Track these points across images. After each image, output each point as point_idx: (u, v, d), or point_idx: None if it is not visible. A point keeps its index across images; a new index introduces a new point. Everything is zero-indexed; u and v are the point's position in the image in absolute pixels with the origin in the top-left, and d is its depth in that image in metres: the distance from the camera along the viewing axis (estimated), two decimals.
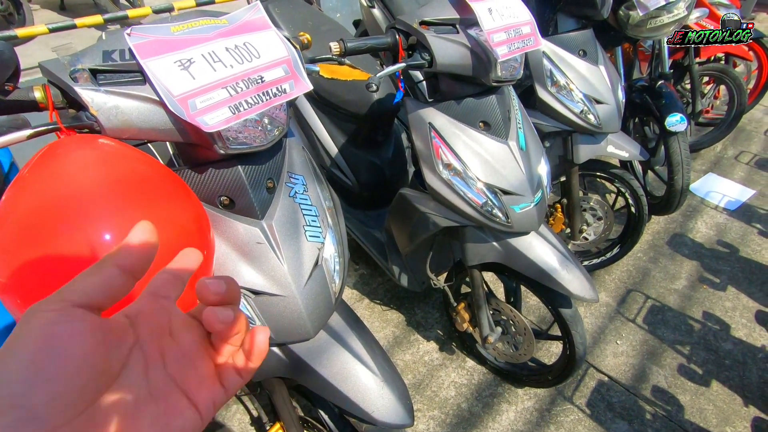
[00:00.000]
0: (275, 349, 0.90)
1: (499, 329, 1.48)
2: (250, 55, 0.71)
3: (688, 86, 2.63)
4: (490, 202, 1.12)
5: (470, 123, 1.11)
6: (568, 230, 1.94)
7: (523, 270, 1.24)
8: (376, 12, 2.38)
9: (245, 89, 0.69)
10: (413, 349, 1.76)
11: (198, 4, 2.85)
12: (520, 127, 1.18)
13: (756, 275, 2.07)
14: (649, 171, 2.35)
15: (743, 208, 2.49)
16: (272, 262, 0.77)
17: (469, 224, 1.21)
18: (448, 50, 1.00)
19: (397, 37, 1.01)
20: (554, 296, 1.28)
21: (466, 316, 1.50)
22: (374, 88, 0.94)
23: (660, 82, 2.10)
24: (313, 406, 1.07)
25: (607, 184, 1.94)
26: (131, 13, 2.62)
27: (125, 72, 0.63)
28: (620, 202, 1.96)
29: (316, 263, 0.83)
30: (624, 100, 1.70)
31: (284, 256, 0.78)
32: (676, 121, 1.95)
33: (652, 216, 2.38)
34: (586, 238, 1.97)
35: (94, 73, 0.62)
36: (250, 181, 0.77)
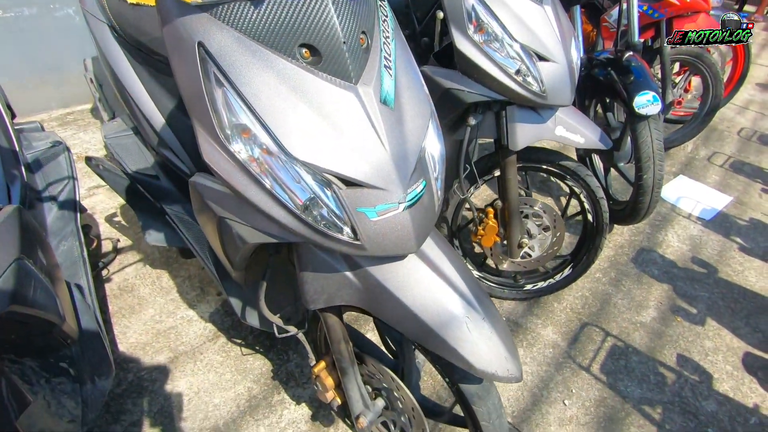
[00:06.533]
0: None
1: (380, 403, 0.94)
2: None
3: (658, 73, 2.21)
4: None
5: None
6: (505, 243, 1.43)
7: (395, 324, 0.71)
8: None
9: None
10: (272, 419, 1.19)
11: None
12: None
13: (740, 304, 1.63)
14: (612, 169, 1.88)
15: (720, 217, 2.06)
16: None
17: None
18: None
19: None
20: (453, 367, 0.75)
21: (330, 381, 0.95)
22: None
23: (628, 54, 1.63)
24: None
25: (557, 180, 1.44)
26: None
27: None
28: (574, 205, 1.47)
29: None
30: (580, 64, 1.20)
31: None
32: (647, 101, 1.47)
33: (614, 226, 1.92)
34: (529, 255, 1.46)
35: None
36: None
